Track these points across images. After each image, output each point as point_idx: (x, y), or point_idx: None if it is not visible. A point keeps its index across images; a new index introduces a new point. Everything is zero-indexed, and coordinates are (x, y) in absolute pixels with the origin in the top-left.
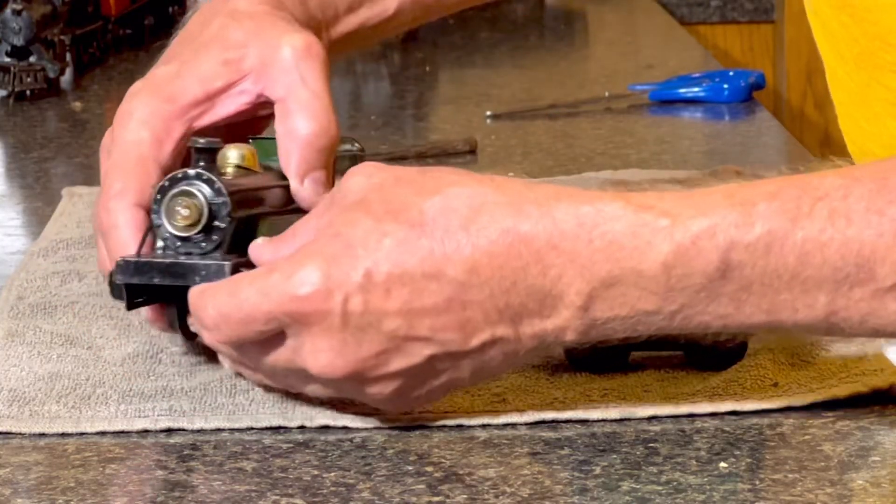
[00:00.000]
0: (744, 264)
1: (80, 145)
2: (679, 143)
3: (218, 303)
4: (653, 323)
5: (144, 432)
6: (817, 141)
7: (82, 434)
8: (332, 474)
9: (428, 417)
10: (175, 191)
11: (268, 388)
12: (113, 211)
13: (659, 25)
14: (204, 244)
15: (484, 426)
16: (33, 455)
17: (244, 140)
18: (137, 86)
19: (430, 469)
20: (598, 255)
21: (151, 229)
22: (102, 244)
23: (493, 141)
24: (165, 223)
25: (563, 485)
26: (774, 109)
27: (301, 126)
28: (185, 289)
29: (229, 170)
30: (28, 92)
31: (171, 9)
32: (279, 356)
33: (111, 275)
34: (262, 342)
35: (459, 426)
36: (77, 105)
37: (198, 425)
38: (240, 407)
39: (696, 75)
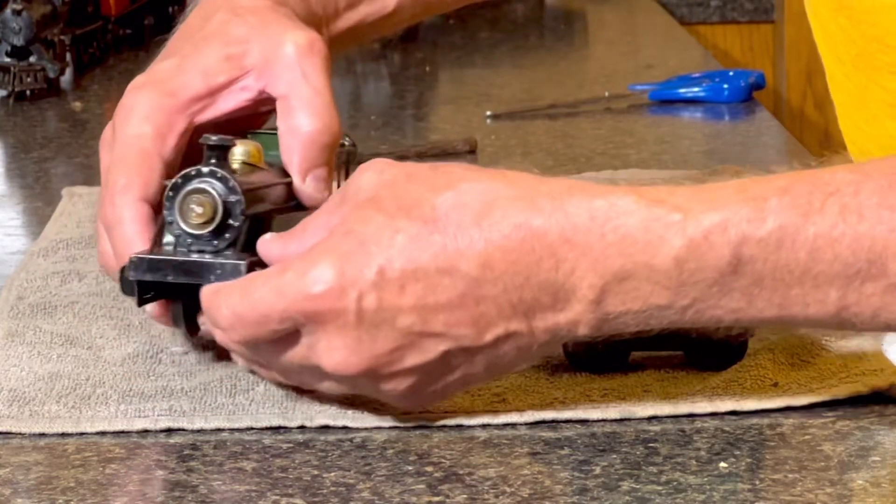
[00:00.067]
0: (755, 259)
1: (80, 145)
2: (679, 143)
3: (232, 303)
4: (665, 317)
5: (144, 432)
6: (817, 141)
7: (82, 434)
8: (332, 474)
9: (428, 417)
10: (189, 188)
11: (281, 385)
12: (118, 206)
13: (659, 25)
14: (216, 242)
15: (484, 426)
16: (33, 455)
17: (242, 134)
18: (138, 80)
19: (430, 469)
20: (611, 250)
21: (163, 225)
22: (105, 239)
23: (493, 141)
24: (178, 220)
25: (563, 485)
26: (774, 109)
27: (303, 123)
28: (194, 285)
29: (236, 166)
30: (28, 92)
31: (170, 9)
32: (294, 354)
33: (122, 270)
34: (276, 341)
35: (459, 426)
36: (77, 105)
37: (198, 425)
38: (240, 407)
39: (696, 75)
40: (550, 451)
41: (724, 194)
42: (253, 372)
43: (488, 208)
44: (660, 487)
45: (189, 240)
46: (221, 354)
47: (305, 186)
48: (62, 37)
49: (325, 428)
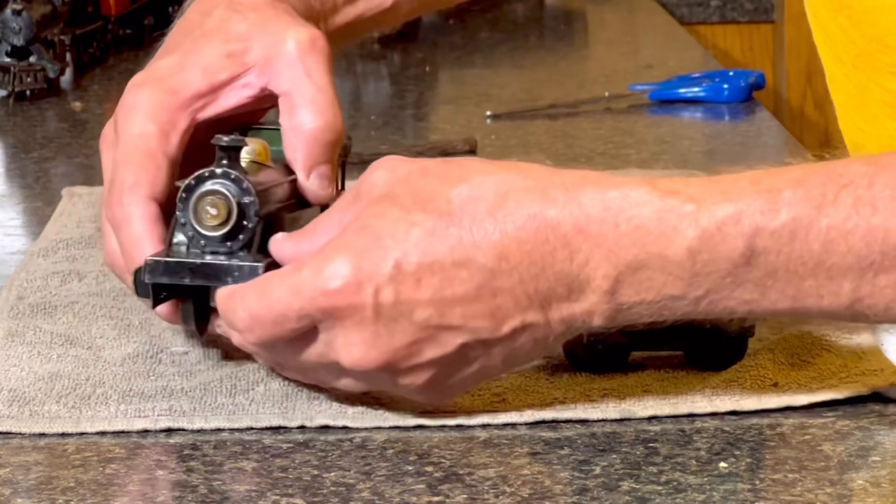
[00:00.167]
0: (769, 251)
1: (80, 145)
2: (679, 143)
3: (248, 304)
4: (678, 308)
5: (144, 432)
6: (817, 141)
7: (82, 434)
8: (332, 474)
9: (431, 416)
10: (203, 190)
11: (298, 383)
12: (126, 205)
13: (659, 25)
14: (230, 243)
15: (484, 426)
16: (33, 455)
17: (242, 130)
18: (139, 78)
19: (430, 469)
20: (625, 240)
21: (175, 226)
22: (112, 238)
23: (493, 141)
24: (192, 222)
25: (563, 485)
26: (774, 109)
27: (307, 121)
28: (205, 285)
29: (243, 165)
30: (28, 92)
31: (170, 8)
32: (311, 352)
33: (136, 273)
34: (293, 340)
35: (459, 426)
36: (77, 105)
37: (198, 425)
38: (240, 407)
39: (696, 75)
40: (550, 451)
41: (738, 186)
42: (273, 370)
43: (502, 200)
44: (660, 487)
45: (202, 241)
46: (222, 354)
47: (310, 183)
48: (62, 37)
49: (325, 428)
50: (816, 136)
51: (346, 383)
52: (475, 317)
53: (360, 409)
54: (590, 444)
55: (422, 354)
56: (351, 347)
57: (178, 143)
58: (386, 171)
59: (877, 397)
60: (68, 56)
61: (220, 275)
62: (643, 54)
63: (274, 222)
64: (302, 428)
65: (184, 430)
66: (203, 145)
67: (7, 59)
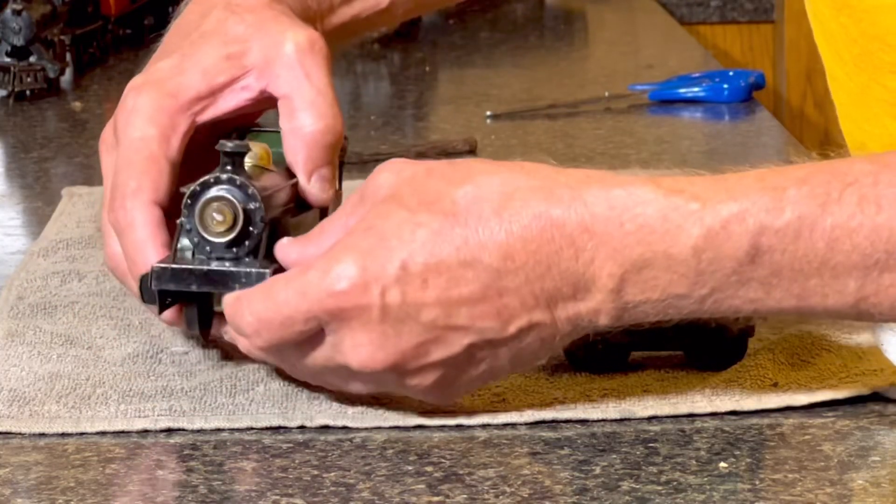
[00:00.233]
0: (774, 249)
1: (80, 145)
2: (679, 143)
3: (256, 309)
4: (684, 307)
5: (144, 432)
6: (817, 141)
7: (82, 434)
8: (332, 474)
9: (431, 416)
10: (208, 196)
11: (299, 383)
12: (129, 209)
13: (659, 25)
14: (236, 249)
15: (484, 426)
16: (33, 455)
17: (240, 131)
18: (137, 80)
19: (430, 469)
20: (630, 239)
21: (180, 231)
22: (114, 241)
23: (493, 141)
24: (198, 228)
25: (563, 485)
26: (774, 109)
27: (307, 123)
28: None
29: (246, 169)
30: (28, 92)
31: (170, 9)
32: (318, 356)
33: (142, 280)
34: (300, 344)
35: (459, 426)
36: (77, 105)
37: (198, 425)
38: (240, 407)
39: (696, 75)
40: (550, 451)
41: (743, 184)
42: (278, 371)
43: (508, 199)
44: (660, 487)
45: (208, 247)
46: (222, 354)
47: (311, 186)
48: (62, 37)
49: (325, 428)
50: (816, 136)
51: (353, 386)
52: (482, 317)
53: (360, 409)
54: (590, 444)
55: (429, 355)
56: (358, 348)
57: (179, 147)
58: (391, 174)
59: (877, 397)
60: (68, 56)
61: (227, 282)
62: (643, 54)
63: (277, 227)
64: (302, 428)
65: (184, 430)
66: (200, 146)
67: (7, 59)
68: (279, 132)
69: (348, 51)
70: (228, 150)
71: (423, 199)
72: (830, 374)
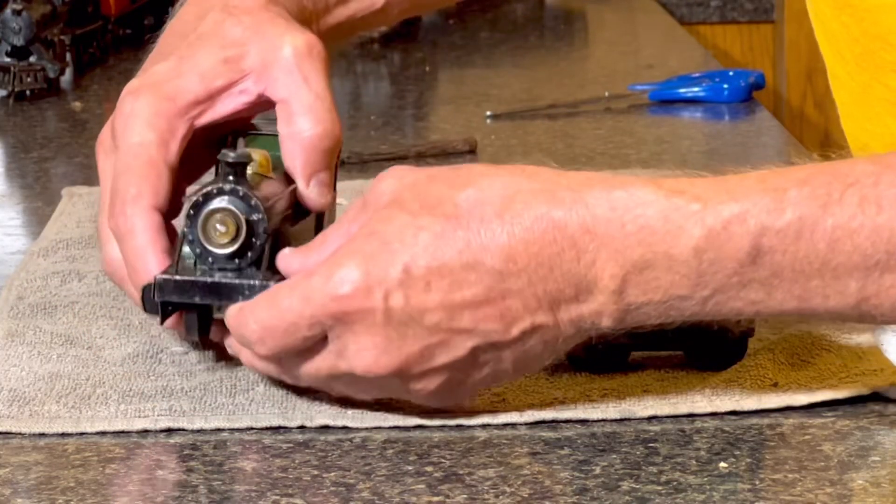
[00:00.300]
0: (775, 250)
1: (80, 145)
2: (679, 143)
3: (260, 317)
4: (686, 308)
5: (144, 432)
6: (817, 141)
7: (82, 434)
8: (332, 474)
9: (431, 416)
10: (211, 207)
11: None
12: (130, 215)
13: (659, 25)
14: (239, 260)
15: (484, 426)
16: (33, 455)
17: (237, 134)
18: (135, 84)
19: (430, 469)
20: (631, 240)
21: (182, 241)
22: (112, 247)
23: (493, 141)
24: (201, 239)
25: (563, 485)
26: (774, 109)
27: (305, 128)
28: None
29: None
30: (28, 92)
31: (170, 9)
32: (322, 363)
33: (145, 290)
34: (304, 352)
35: (459, 426)
36: (77, 105)
37: (198, 425)
38: (240, 407)
39: (696, 75)
40: (550, 451)
41: (744, 185)
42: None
43: (509, 202)
44: (660, 487)
45: (210, 258)
46: (222, 355)
47: (310, 191)
48: (62, 37)
49: (325, 428)
50: (816, 136)
51: (357, 393)
52: (485, 319)
53: (359, 409)
54: (590, 444)
55: (434, 359)
56: (363, 353)
57: (178, 151)
58: (393, 180)
59: (877, 397)
60: (68, 56)
61: (231, 294)
62: (643, 54)
63: (279, 237)
64: (302, 428)
65: (184, 430)
66: (195, 146)
67: (7, 59)
68: (276, 135)
69: (348, 51)
70: (231, 160)
71: (425, 203)
72: (830, 374)
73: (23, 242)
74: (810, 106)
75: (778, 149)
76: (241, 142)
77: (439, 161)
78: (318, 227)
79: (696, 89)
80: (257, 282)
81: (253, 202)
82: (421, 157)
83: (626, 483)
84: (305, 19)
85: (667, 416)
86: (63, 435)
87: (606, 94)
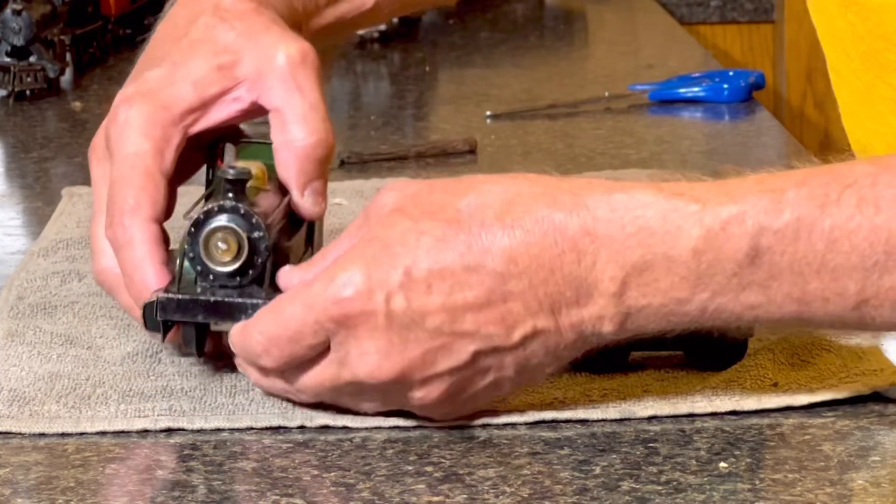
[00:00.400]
0: (773, 251)
1: (80, 145)
2: (679, 143)
3: (264, 328)
4: (686, 313)
5: (144, 432)
6: (817, 141)
7: (82, 434)
8: (332, 474)
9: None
10: (212, 226)
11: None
12: (128, 227)
13: (659, 25)
14: (240, 278)
15: (484, 426)
16: (33, 455)
17: (232, 139)
18: (128, 91)
19: (430, 469)
20: (631, 241)
21: (183, 258)
22: (106, 257)
23: (493, 141)
24: (202, 257)
25: (563, 485)
26: (774, 109)
27: (299, 137)
28: None
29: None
30: (28, 92)
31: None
32: (325, 373)
33: (146, 308)
34: (306, 364)
35: (459, 426)
36: (77, 105)
37: (198, 425)
38: (240, 407)
39: (696, 75)
40: (550, 451)
41: (743, 187)
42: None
43: (510, 205)
44: (660, 487)
45: (211, 276)
46: (221, 356)
47: (304, 200)
48: (62, 37)
49: (325, 428)
50: (816, 136)
51: (361, 404)
52: (487, 323)
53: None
54: (590, 444)
55: (436, 364)
56: (365, 357)
57: (173, 160)
58: (395, 192)
59: (877, 397)
60: (68, 56)
61: (233, 313)
62: (643, 54)
63: (278, 253)
64: (302, 428)
65: (184, 430)
66: (183, 151)
67: (7, 59)
68: (268, 144)
69: (348, 51)
70: (231, 177)
71: (427, 209)
72: (830, 374)
73: (23, 242)
74: (810, 106)
75: (778, 149)
76: (229, 148)
77: (439, 161)
78: (310, 236)
79: (696, 89)
80: (260, 300)
81: (254, 220)
82: (421, 157)
83: (626, 483)
84: (296, 21)
85: (667, 416)
86: (63, 435)
87: (606, 94)
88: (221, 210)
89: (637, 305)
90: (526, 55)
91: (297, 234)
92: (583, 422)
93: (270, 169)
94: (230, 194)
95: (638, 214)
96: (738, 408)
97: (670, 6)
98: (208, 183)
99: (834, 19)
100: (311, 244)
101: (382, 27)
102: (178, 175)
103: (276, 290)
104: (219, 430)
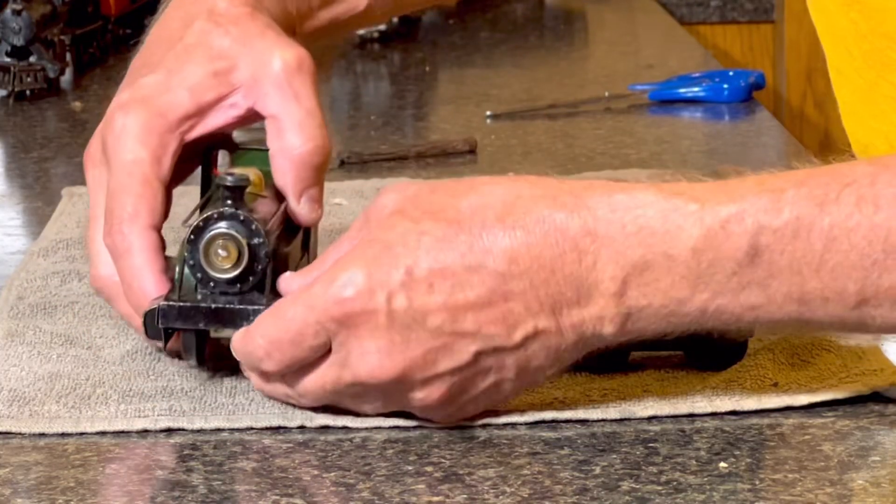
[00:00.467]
0: (772, 249)
1: (80, 145)
2: (679, 143)
3: (266, 332)
4: (686, 314)
5: (144, 432)
6: (817, 141)
7: (82, 434)
8: (332, 474)
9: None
10: (212, 233)
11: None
12: (128, 234)
13: (659, 25)
14: (240, 285)
15: (484, 426)
16: (33, 455)
17: (229, 145)
18: (124, 98)
19: (430, 469)
20: (631, 240)
21: (183, 265)
22: (103, 264)
23: (493, 141)
24: (202, 264)
25: (563, 485)
26: (774, 109)
27: (296, 144)
28: None
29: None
30: (28, 92)
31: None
32: (327, 375)
33: (146, 316)
34: (307, 367)
35: (459, 426)
36: (77, 105)
37: (198, 425)
38: (240, 407)
39: (696, 75)
40: (550, 451)
41: (743, 186)
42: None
43: (511, 206)
44: (660, 487)
45: (212, 283)
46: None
47: (300, 207)
48: (62, 37)
49: (325, 428)
50: (816, 136)
51: (363, 406)
52: (488, 323)
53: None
54: (590, 444)
55: (437, 365)
56: (366, 357)
57: (170, 167)
58: (395, 193)
59: (877, 397)
60: (68, 56)
61: (234, 319)
62: (643, 54)
63: (277, 259)
64: (302, 428)
65: (184, 430)
66: (181, 156)
67: (7, 59)
68: (264, 150)
69: (348, 51)
70: (229, 184)
71: (428, 210)
72: (830, 374)
73: (23, 242)
74: (810, 106)
75: (778, 149)
76: (222, 155)
77: (439, 161)
78: (306, 242)
79: (696, 89)
80: (261, 306)
81: (254, 226)
82: (421, 157)
83: (626, 483)
84: (289, 23)
85: (667, 416)
86: (63, 435)
87: (606, 94)
88: (221, 217)
89: (637, 306)
90: (526, 55)
91: (294, 240)
92: (583, 422)
93: (267, 175)
94: (229, 201)
95: (638, 214)
96: (738, 408)
97: (670, 6)
98: (204, 189)
99: (835, 18)
100: (308, 250)
101: (382, 27)
102: (172, 180)
103: (276, 295)
104: (219, 430)
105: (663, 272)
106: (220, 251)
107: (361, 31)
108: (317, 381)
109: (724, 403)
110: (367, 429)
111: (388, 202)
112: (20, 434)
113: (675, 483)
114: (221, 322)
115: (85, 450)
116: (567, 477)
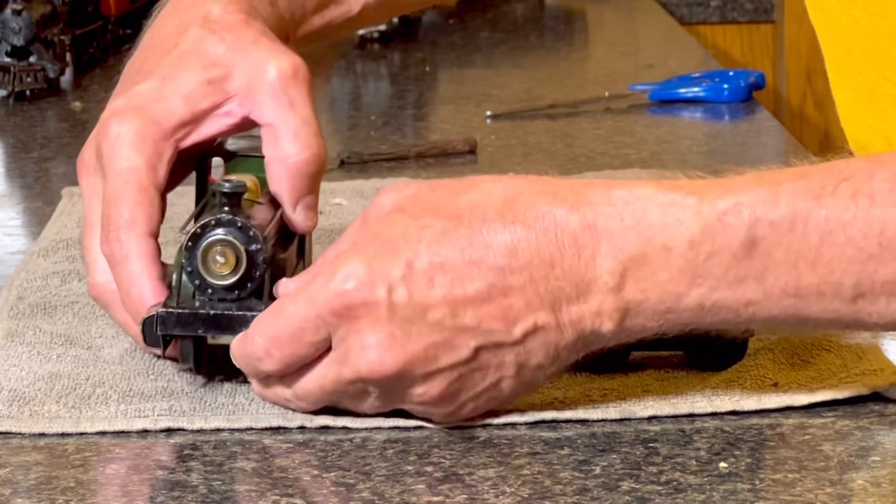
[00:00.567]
0: (769, 241)
1: (80, 145)
2: (679, 143)
3: (266, 330)
4: (684, 310)
5: (144, 432)
6: (817, 141)
7: (82, 434)
8: (332, 474)
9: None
10: (210, 239)
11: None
12: (125, 242)
13: (659, 25)
14: (238, 291)
15: (484, 426)
16: (33, 455)
17: (225, 153)
18: (118, 105)
19: (430, 469)
20: (629, 233)
21: (181, 272)
22: (100, 271)
23: (493, 141)
24: (200, 270)
25: (563, 485)
26: (774, 109)
27: (292, 153)
28: None
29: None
30: (28, 92)
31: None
32: (327, 373)
33: (145, 323)
34: (306, 367)
35: (459, 426)
36: (77, 105)
37: (198, 425)
38: (240, 407)
39: (696, 75)
40: (550, 451)
41: (741, 181)
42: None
43: (511, 202)
44: (660, 487)
45: (210, 289)
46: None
47: (296, 215)
48: (62, 37)
49: (325, 428)
50: (816, 136)
51: (363, 404)
52: (488, 317)
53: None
54: (590, 444)
55: (437, 360)
56: (367, 351)
57: (165, 174)
58: (394, 192)
59: (877, 397)
60: (68, 56)
61: (233, 326)
62: (643, 54)
63: (274, 263)
64: (302, 428)
65: (184, 430)
66: (175, 163)
67: (7, 59)
68: (260, 157)
69: (348, 51)
70: (227, 190)
71: (428, 206)
72: (830, 374)
73: (23, 242)
74: (810, 106)
75: (778, 149)
76: (216, 161)
77: (439, 161)
78: (301, 248)
79: (696, 89)
80: (259, 312)
81: (252, 233)
82: (421, 157)
83: (626, 483)
84: (283, 29)
85: (667, 416)
86: (63, 435)
87: (606, 94)
88: (219, 223)
89: (635, 300)
90: (526, 55)
91: (290, 246)
92: (583, 422)
93: (262, 182)
94: (226, 207)
95: (637, 208)
96: (738, 408)
97: (670, 6)
98: (198, 197)
99: (836, 16)
100: (303, 256)
101: (382, 27)
102: (167, 187)
103: (274, 302)
104: (219, 430)
105: (661, 265)
106: (218, 257)
107: (362, 31)
108: (316, 380)
109: (724, 403)
110: (367, 429)
111: (386, 201)
112: (20, 434)
113: (675, 483)
114: (220, 328)
115: (85, 450)
116: (567, 477)
